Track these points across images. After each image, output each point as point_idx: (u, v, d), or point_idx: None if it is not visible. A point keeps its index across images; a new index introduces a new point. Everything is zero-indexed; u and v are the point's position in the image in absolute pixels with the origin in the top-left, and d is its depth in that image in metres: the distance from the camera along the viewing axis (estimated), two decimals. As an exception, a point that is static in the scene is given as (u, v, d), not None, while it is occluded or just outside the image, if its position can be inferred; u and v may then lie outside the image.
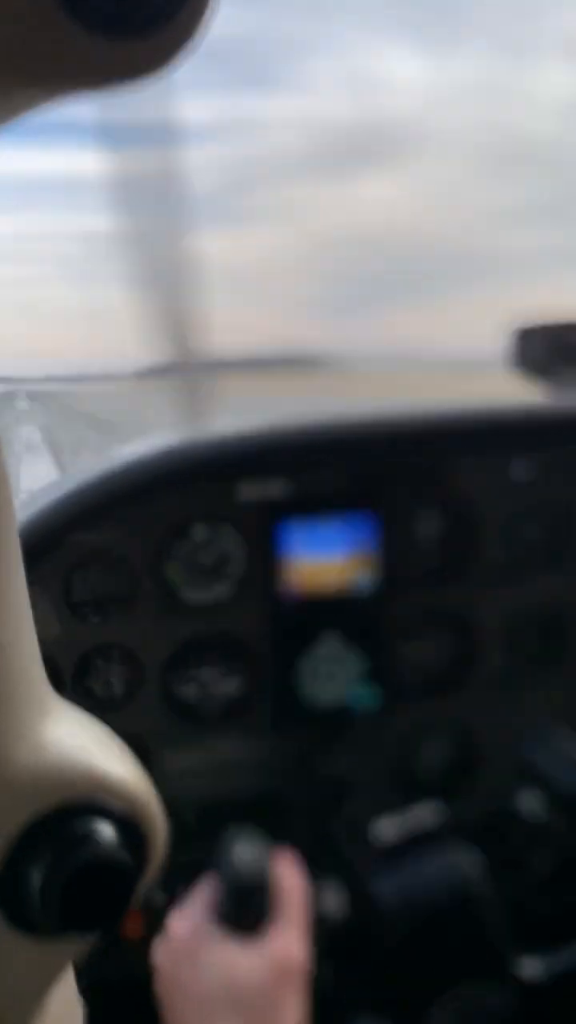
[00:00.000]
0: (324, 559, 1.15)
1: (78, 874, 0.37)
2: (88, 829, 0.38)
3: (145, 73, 0.29)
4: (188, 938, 0.77)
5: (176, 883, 1.13)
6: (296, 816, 1.21)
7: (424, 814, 1.01)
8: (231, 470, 1.10)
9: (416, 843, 0.98)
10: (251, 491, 1.11)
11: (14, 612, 0.38)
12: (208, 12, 0.29)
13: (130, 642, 1.12)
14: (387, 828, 1.00)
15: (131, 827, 0.40)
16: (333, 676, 1.19)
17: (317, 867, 0.94)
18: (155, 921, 1.10)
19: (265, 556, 1.14)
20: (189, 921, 0.79)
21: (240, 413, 1.19)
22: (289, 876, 0.82)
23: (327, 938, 0.99)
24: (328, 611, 1.17)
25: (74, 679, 1.11)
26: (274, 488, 1.12)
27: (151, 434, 1.15)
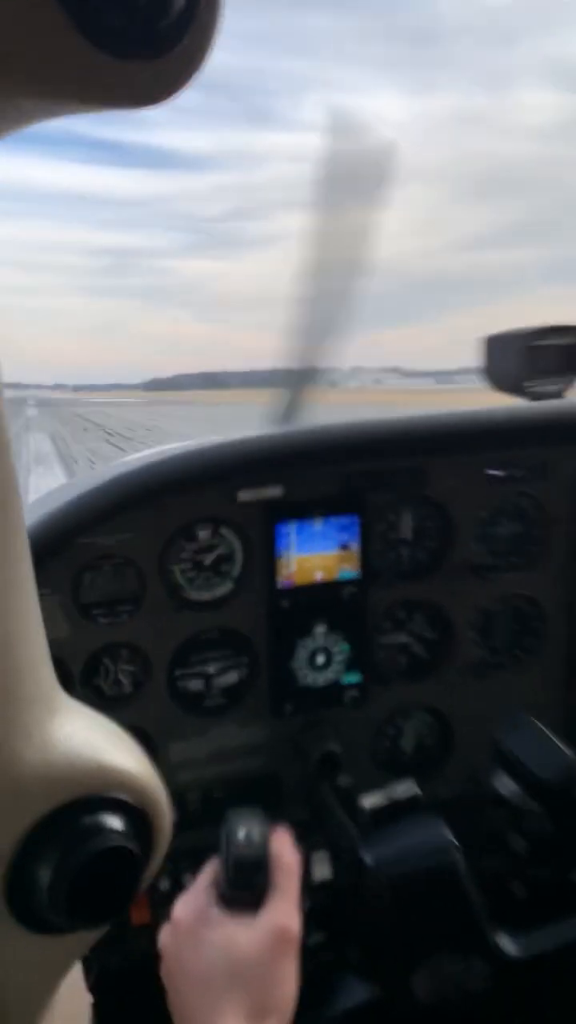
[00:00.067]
0: (314, 556, 1.22)
1: (86, 868, 0.37)
2: (96, 822, 0.39)
3: (151, 97, 0.30)
4: (191, 921, 0.78)
5: (182, 869, 1.18)
6: (290, 793, 1.26)
7: (405, 788, 1.04)
8: (231, 475, 1.15)
9: (399, 813, 1.02)
10: (249, 495, 1.16)
11: (24, 613, 0.38)
12: (212, 41, 0.29)
13: (138, 641, 1.17)
14: (371, 800, 1.03)
15: (140, 817, 0.41)
16: (322, 661, 1.26)
17: (309, 839, 0.98)
18: (161, 907, 1.12)
19: (262, 554, 1.20)
20: (192, 905, 0.80)
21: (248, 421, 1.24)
22: (285, 851, 0.84)
23: (317, 904, 1.03)
24: (318, 603, 1.23)
25: (83, 678, 1.15)
26: (270, 491, 1.17)
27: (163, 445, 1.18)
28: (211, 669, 1.22)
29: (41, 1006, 0.43)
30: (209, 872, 0.84)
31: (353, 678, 1.28)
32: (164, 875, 1.20)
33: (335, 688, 1.27)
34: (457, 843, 0.98)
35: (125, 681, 1.18)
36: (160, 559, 1.16)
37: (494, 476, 1.27)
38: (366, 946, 1.01)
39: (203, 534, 1.18)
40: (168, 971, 0.78)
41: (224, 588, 1.21)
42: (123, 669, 1.18)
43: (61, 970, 0.43)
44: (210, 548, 1.19)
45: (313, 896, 1.00)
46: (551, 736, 1.05)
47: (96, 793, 0.39)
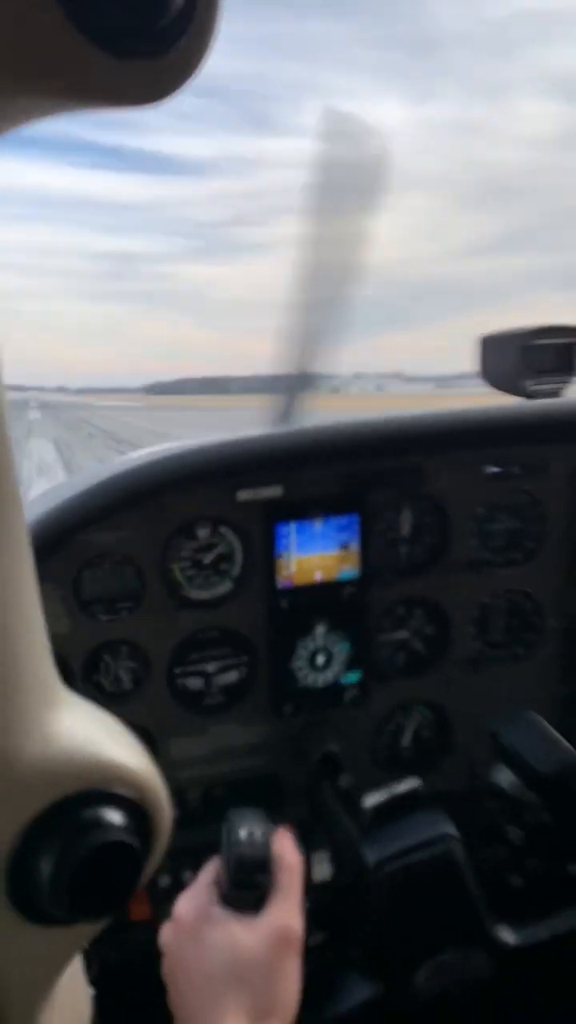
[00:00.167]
0: (314, 556, 1.23)
1: (87, 862, 0.38)
2: (96, 816, 0.39)
3: (150, 97, 0.30)
4: (192, 919, 0.78)
5: (182, 866, 1.19)
6: (290, 793, 1.27)
7: (405, 786, 1.05)
8: (231, 475, 1.16)
9: (400, 808, 1.02)
10: (248, 494, 1.17)
11: (24, 609, 0.38)
12: (211, 41, 0.30)
13: (138, 638, 1.18)
14: (373, 799, 1.03)
15: (139, 812, 0.41)
16: (323, 661, 1.27)
17: (309, 839, 0.99)
18: (161, 904, 1.14)
19: (262, 554, 1.21)
20: (193, 903, 0.80)
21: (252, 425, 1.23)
22: (288, 851, 0.84)
23: (319, 903, 1.02)
24: (317, 602, 1.24)
25: (84, 674, 1.16)
26: (270, 491, 1.18)
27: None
28: (211, 668, 1.24)
29: (42, 998, 0.44)
30: (210, 870, 0.84)
31: (353, 677, 1.29)
32: (164, 872, 1.21)
33: (335, 688, 1.29)
34: (457, 834, 0.99)
35: (125, 678, 1.19)
36: (160, 557, 1.17)
37: (491, 473, 1.29)
38: (368, 944, 1.01)
39: (203, 533, 1.19)
40: (169, 969, 0.78)
41: (224, 587, 1.22)
42: (123, 666, 1.19)
43: (62, 962, 0.44)
44: (210, 547, 1.20)
45: (314, 896, 0.99)
46: (551, 730, 1.06)
47: (96, 787, 0.40)
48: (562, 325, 1.33)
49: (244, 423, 1.22)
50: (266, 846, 0.81)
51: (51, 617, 0.40)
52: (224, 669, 1.25)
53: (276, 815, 0.88)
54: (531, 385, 1.33)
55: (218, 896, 0.80)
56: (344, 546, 1.24)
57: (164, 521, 1.16)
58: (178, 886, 1.15)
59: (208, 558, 1.20)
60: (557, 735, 1.06)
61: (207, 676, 1.24)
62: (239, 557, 1.22)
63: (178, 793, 1.23)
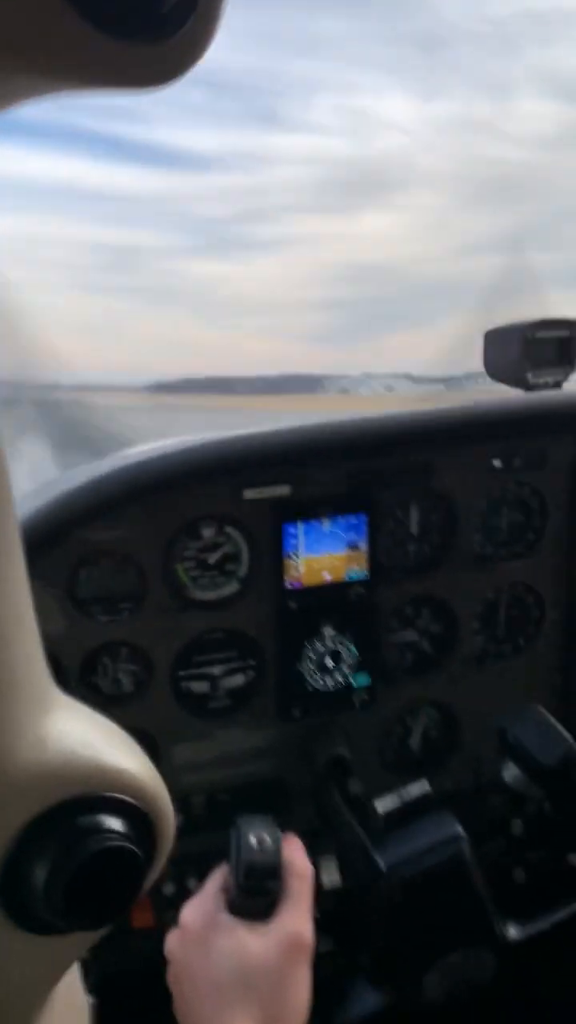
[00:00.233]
0: (322, 556, 1.21)
1: (82, 870, 0.37)
2: (93, 823, 0.38)
3: (154, 81, 0.29)
4: (200, 927, 0.77)
5: (186, 873, 1.17)
6: (297, 798, 1.25)
7: (415, 790, 1.05)
8: (236, 472, 1.14)
9: (411, 813, 1.03)
10: (255, 492, 1.15)
11: (16, 608, 0.37)
12: (217, 26, 0.29)
13: (139, 640, 1.15)
14: (384, 804, 1.04)
15: (140, 819, 0.40)
16: (331, 664, 1.25)
17: (317, 845, 0.98)
18: (165, 912, 1.13)
19: (269, 554, 1.19)
20: (200, 911, 0.79)
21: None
22: (298, 858, 0.83)
23: (328, 910, 1.00)
24: (325, 604, 1.23)
25: (80, 676, 1.13)
26: (277, 490, 1.16)
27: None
28: (216, 671, 1.22)
29: (39, 1007, 0.43)
30: (218, 877, 0.83)
31: (363, 680, 1.28)
32: (169, 879, 1.19)
33: (344, 691, 1.27)
34: (465, 835, 0.99)
35: (125, 680, 1.17)
36: (163, 557, 1.15)
37: (497, 467, 1.29)
38: (378, 950, 1.00)
39: (208, 532, 1.17)
40: (176, 977, 0.78)
41: (230, 588, 1.20)
42: (123, 668, 1.17)
43: (59, 971, 0.43)
44: (215, 546, 1.18)
45: (322, 903, 0.98)
46: (555, 723, 1.06)
47: (93, 792, 0.39)
48: (562, 318, 1.33)
49: (253, 425, 1.22)
50: (276, 852, 0.81)
51: (44, 616, 0.39)
52: (230, 672, 1.23)
53: (282, 820, 0.87)
54: (532, 377, 1.33)
55: (226, 903, 0.80)
56: (352, 546, 1.23)
57: (167, 519, 1.14)
58: (183, 893, 1.15)
59: (213, 558, 1.18)
60: (560, 727, 1.06)
61: (213, 679, 1.22)
62: (246, 557, 1.20)
63: (182, 799, 1.22)
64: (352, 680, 1.27)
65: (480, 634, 1.36)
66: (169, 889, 1.18)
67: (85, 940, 0.42)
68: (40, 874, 0.37)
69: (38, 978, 0.42)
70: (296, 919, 0.78)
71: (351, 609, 1.25)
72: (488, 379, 1.46)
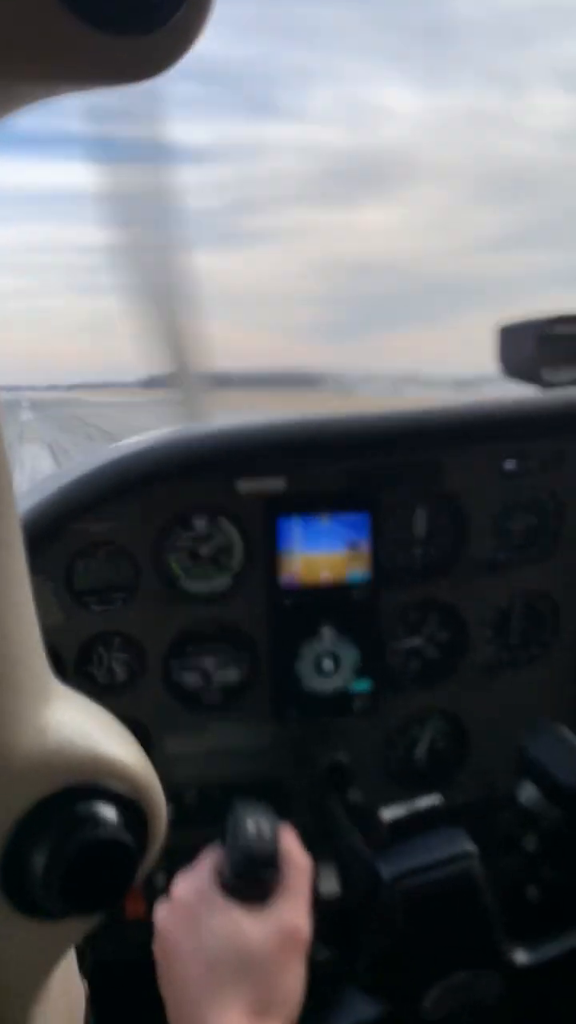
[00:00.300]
0: (320, 554, 1.19)
1: (80, 856, 0.38)
2: (90, 811, 0.39)
3: (146, 72, 0.29)
4: (193, 902, 0.77)
5: (178, 865, 1.19)
6: (296, 802, 1.23)
7: (427, 802, 1.03)
8: (230, 464, 1.13)
9: (419, 825, 1.00)
10: (250, 485, 1.14)
11: (16, 599, 0.38)
12: (208, 14, 0.29)
13: (132, 630, 1.16)
14: (391, 813, 1.01)
15: (133, 808, 0.41)
16: (330, 667, 1.23)
17: (316, 851, 0.98)
18: (157, 902, 1.16)
19: (263, 549, 1.17)
20: (194, 887, 0.79)
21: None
22: (296, 850, 0.83)
23: (325, 919, 1.00)
24: (324, 604, 1.21)
25: (76, 666, 1.14)
26: (272, 483, 1.15)
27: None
28: (209, 664, 1.21)
29: (35, 992, 0.44)
30: (212, 857, 0.82)
31: (363, 686, 1.25)
32: (160, 870, 1.17)
33: (344, 695, 1.24)
34: (478, 857, 0.96)
35: (119, 670, 1.17)
36: (155, 548, 1.14)
37: (510, 469, 1.25)
38: (376, 961, 0.99)
39: (200, 524, 1.17)
40: (164, 950, 0.76)
41: (223, 582, 1.19)
42: (117, 658, 1.17)
43: (56, 957, 0.44)
44: (207, 538, 1.17)
45: (321, 912, 1.00)
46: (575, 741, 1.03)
47: (89, 781, 0.39)
48: None
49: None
50: (274, 842, 0.80)
51: (43, 609, 0.40)
52: (223, 666, 1.22)
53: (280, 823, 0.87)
54: (547, 375, 1.31)
55: (219, 884, 0.78)
56: (353, 545, 1.20)
57: (159, 510, 1.14)
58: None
59: (205, 550, 1.17)
60: None
61: (205, 672, 1.21)
62: (238, 551, 1.19)
63: (174, 791, 1.21)
64: (353, 685, 1.25)
65: (492, 643, 1.32)
66: (161, 880, 1.16)
67: (81, 927, 0.43)
68: (39, 860, 0.38)
69: (36, 963, 0.43)
70: (295, 912, 0.77)
71: (353, 611, 1.22)
72: (501, 383, 1.43)
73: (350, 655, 1.24)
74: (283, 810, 1.23)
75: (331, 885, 1.10)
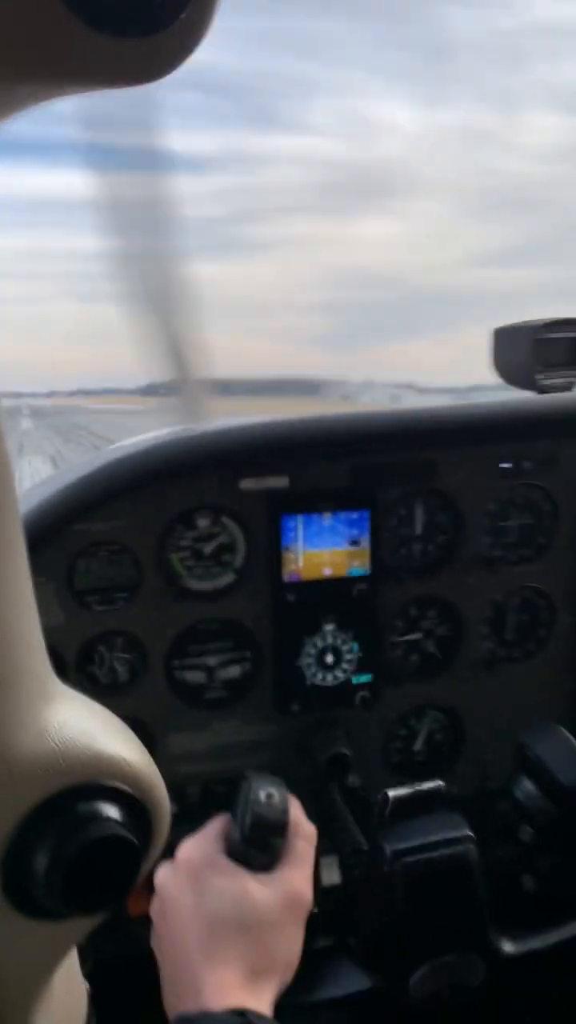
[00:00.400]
0: (321, 551, 1.20)
1: (82, 855, 0.38)
2: (92, 811, 0.39)
3: (148, 75, 0.29)
4: (198, 864, 0.77)
5: None
6: (299, 794, 1.27)
7: (428, 785, 1.06)
8: (234, 463, 1.14)
9: (420, 806, 1.01)
10: (252, 483, 1.15)
11: (17, 599, 0.38)
12: (211, 18, 0.29)
13: (134, 629, 1.16)
14: (396, 792, 1.02)
15: (136, 807, 0.41)
16: (332, 661, 1.24)
17: (318, 844, 1.00)
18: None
19: (265, 547, 1.18)
20: (200, 850, 0.79)
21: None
22: (302, 819, 0.84)
23: (326, 909, 1.02)
24: (326, 599, 1.22)
25: (77, 666, 1.14)
26: (275, 481, 1.16)
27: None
28: (212, 661, 1.21)
29: (38, 991, 0.44)
30: (219, 824, 0.83)
31: (364, 679, 1.26)
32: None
33: (345, 688, 1.26)
34: (475, 843, 0.98)
35: (121, 670, 1.17)
36: (158, 547, 1.14)
37: (505, 469, 1.27)
38: (370, 935, 1.00)
39: (203, 522, 1.17)
40: (162, 909, 0.76)
41: (226, 579, 1.19)
42: (119, 657, 1.17)
43: (58, 957, 0.44)
44: (210, 537, 1.18)
45: (322, 901, 0.99)
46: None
47: (92, 781, 0.39)
48: (574, 318, 1.31)
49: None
50: (284, 811, 0.81)
51: (44, 609, 0.39)
52: (226, 663, 1.22)
53: None
54: (542, 379, 1.31)
55: (225, 850, 0.79)
56: (354, 542, 1.22)
57: (162, 509, 1.14)
58: None
59: (208, 548, 1.18)
60: None
61: (209, 670, 1.21)
62: (242, 548, 1.19)
63: (178, 789, 1.21)
64: (353, 678, 1.26)
65: (488, 638, 1.33)
66: None
67: (83, 926, 0.43)
68: (41, 860, 0.38)
69: (38, 963, 0.43)
70: (299, 878, 0.78)
71: (353, 606, 1.24)
72: (496, 392, 1.44)
73: (351, 648, 1.25)
74: None
75: (332, 875, 1.11)
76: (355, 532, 1.21)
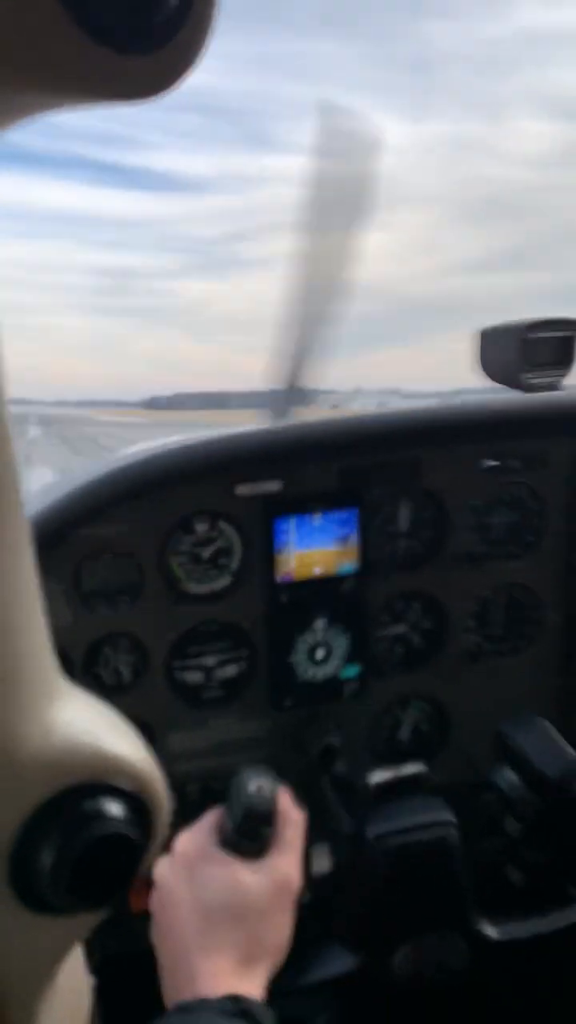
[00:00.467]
0: (313, 550, 1.22)
1: (87, 851, 0.38)
2: (96, 807, 0.39)
3: (148, 90, 0.30)
4: (193, 856, 0.79)
5: None
6: (291, 786, 1.29)
7: (411, 769, 1.06)
8: (229, 469, 1.16)
9: (403, 790, 1.03)
10: (247, 489, 1.17)
11: (26, 601, 0.38)
12: (208, 34, 0.29)
13: (137, 631, 1.17)
14: (378, 776, 1.04)
15: (138, 804, 0.41)
16: (323, 655, 1.26)
17: (308, 832, 1.02)
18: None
19: (260, 549, 1.20)
20: (194, 843, 0.80)
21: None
22: (290, 807, 0.85)
23: (317, 897, 1.02)
24: (317, 596, 1.24)
25: (84, 667, 1.16)
26: (269, 486, 1.18)
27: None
28: (210, 661, 1.23)
29: (43, 987, 0.44)
30: (212, 817, 0.84)
31: (352, 671, 1.28)
32: None
33: (335, 682, 1.28)
34: (457, 827, 0.99)
35: (124, 671, 1.19)
36: (158, 551, 1.16)
37: (490, 467, 1.28)
38: (354, 916, 1.02)
39: (201, 527, 1.19)
40: (160, 901, 0.77)
41: (223, 581, 1.21)
42: (122, 659, 1.19)
43: (63, 952, 0.44)
44: (208, 541, 1.20)
45: (313, 889, 1.00)
46: (557, 735, 1.07)
47: (96, 779, 0.40)
48: (560, 318, 1.32)
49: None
50: (273, 800, 0.83)
51: (53, 610, 0.40)
52: (224, 663, 1.24)
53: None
54: (529, 378, 1.32)
55: (219, 841, 0.80)
56: (343, 540, 1.24)
57: (163, 515, 1.16)
58: None
59: (207, 552, 1.20)
60: (563, 740, 1.06)
61: (207, 670, 1.23)
62: (238, 551, 1.21)
63: (177, 786, 1.23)
64: (343, 671, 1.28)
65: (474, 632, 1.35)
66: None
67: (88, 922, 0.43)
68: (47, 856, 0.38)
69: (44, 958, 0.44)
70: (287, 863, 0.79)
71: (342, 602, 1.26)
72: (481, 395, 1.44)
73: (341, 643, 1.27)
74: None
75: (323, 864, 1.12)
76: (344, 531, 1.24)
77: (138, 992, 0.85)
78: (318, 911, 1.04)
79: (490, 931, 1.01)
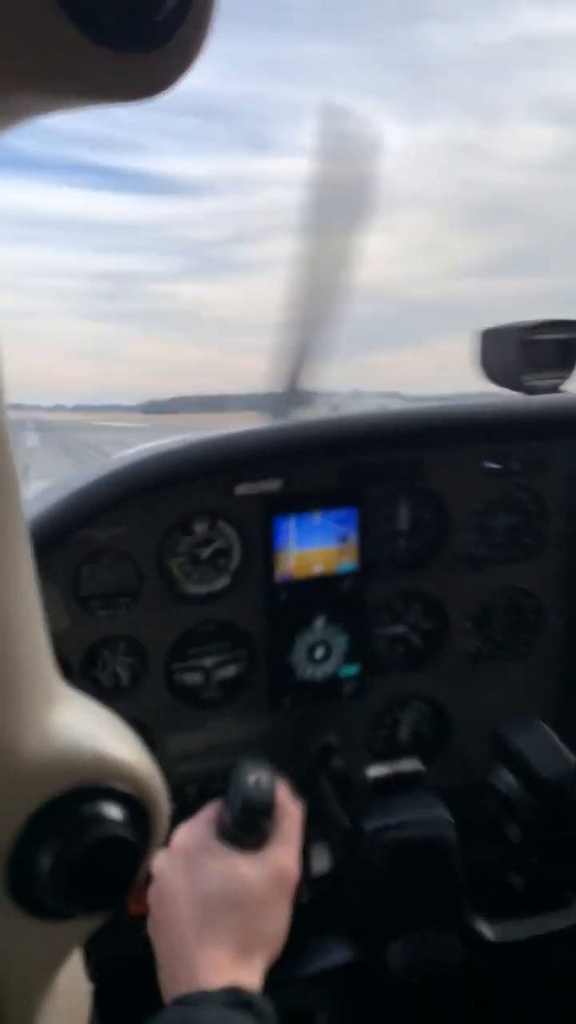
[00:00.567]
0: (312, 550, 1.21)
1: (86, 855, 0.37)
2: (95, 811, 0.39)
3: (146, 91, 0.29)
4: (191, 848, 0.79)
5: None
6: (290, 785, 1.28)
7: (409, 765, 1.06)
8: (228, 469, 1.15)
9: (401, 787, 1.03)
10: (247, 488, 1.16)
11: (24, 605, 0.38)
12: (207, 33, 0.29)
13: (135, 633, 1.16)
14: (376, 771, 1.04)
15: (137, 807, 0.41)
16: (322, 654, 1.24)
17: (307, 831, 1.02)
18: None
19: (260, 549, 1.18)
20: (192, 836, 0.81)
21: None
22: (288, 800, 0.85)
23: (316, 896, 1.02)
24: (316, 597, 1.22)
25: (82, 670, 1.14)
26: (268, 485, 1.17)
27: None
28: (209, 662, 1.21)
29: (41, 991, 0.43)
30: (211, 810, 0.84)
31: (351, 670, 1.27)
32: None
33: (334, 681, 1.26)
34: (452, 821, 0.99)
35: (123, 673, 1.17)
36: (157, 553, 1.15)
37: (491, 469, 1.26)
38: (351, 910, 1.01)
39: (200, 528, 1.18)
40: (158, 893, 0.77)
41: (222, 582, 1.20)
42: (121, 661, 1.17)
43: (61, 956, 0.43)
44: (207, 542, 1.18)
45: (313, 888, 1.00)
46: (556, 738, 1.06)
47: (95, 782, 0.39)
48: (562, 320, 1.31)
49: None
50: (271, 793, 0.83)
51: (51, 614, 0.39)
52: (222, 663, 1.22)
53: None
54: (530, 380, 1.31)
55: (217, 833, 0.80)
56: (343, 539, 1.22)
57: (161, 516, 1.15)
58: None
59: (205, 553, 1.19)
60: (561, 744, 1.06)
61: (205, 671, 1.22)
62: (237, 551, 1.20)
63: (176, 788, 1.21)
64: (342, 671, 1.27)
65: (474, 635, 1.33)
66: None
67: (86, 926, 0.43)
68: (45, 860, 0.38)
69: (42, 962, 0.43)
70: (286, 855, 0.79)
71: (341, 601, 1.24)
72: (481, 399, 1.44)
73: (340, 642, 1.26)
74: None
75: (322, 863, 1.12)
76: (344, 530, 1.22)
77: (137, 997, 0.85)
78: (316, 903, 1.03)
79: (486, 931, 1.01)
